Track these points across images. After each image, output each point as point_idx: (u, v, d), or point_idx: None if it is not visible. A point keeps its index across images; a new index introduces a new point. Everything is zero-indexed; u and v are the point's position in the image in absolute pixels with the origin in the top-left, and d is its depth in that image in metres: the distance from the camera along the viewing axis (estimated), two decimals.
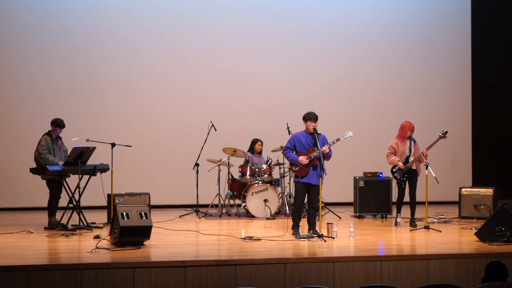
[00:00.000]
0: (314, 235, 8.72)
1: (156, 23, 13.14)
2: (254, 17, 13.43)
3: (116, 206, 8.30)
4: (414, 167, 10.00)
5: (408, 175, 10.00)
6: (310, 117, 8.83)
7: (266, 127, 12.91)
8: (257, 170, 11.34)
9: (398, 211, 10.12)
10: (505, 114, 14.28)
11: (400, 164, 9.94)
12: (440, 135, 9.77)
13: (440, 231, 9.44)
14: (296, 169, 8.86)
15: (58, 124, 9.87)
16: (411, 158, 9.98)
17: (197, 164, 11.57)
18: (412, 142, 9.97)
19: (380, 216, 11.15)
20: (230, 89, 13.33)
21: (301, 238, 8.67)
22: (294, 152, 8.89)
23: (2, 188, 12.67)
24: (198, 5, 13.27)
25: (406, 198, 10.11)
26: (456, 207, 11.17)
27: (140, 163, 12.95)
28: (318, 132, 8.78)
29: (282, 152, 9.13)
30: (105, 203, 10.68)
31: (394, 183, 10.62)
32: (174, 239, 8.85)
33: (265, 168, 11.37)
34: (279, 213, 11.41)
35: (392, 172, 10.11)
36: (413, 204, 10.03)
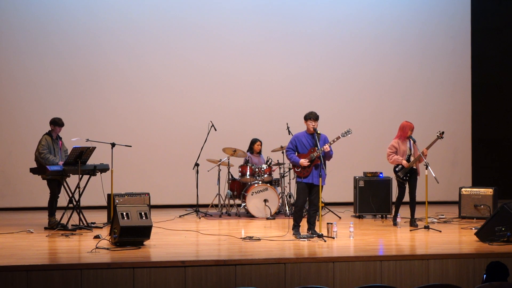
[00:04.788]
0: (314, 235, 8.72)
1: (156, 24, 13.14)
2: (254, 19, 13.42)
3: (116, 206, 8.30)
4: (414, 167, 10.00)
5: (410, 174, 10.00)
6: (310, 116, 8.84)
7: (266, 127, 12.92)
8: (257, 170, 11.34)
9: (397, 211, 10.12)
10: (505, 114, 14.28)
11: (405, 162, 9.91)
12: (437, 135, 9.76)
13: (440, 231, 9.44)
14: (299, 170, 8.86)
15: (57, 123, 9.87)
16: (412, 158, 9.98)
17: (197, 164, 11.57)
18: (412, 141, 9.97)
19: (380, 216, 11.15)
20: (230, 89, 13.33)
21: (301, 238, 8.67)
22: (296, 153, 8.90)
23: (2, 188, 12.68)
24: (198, 7, 13.26)
25: (406, 198, 10.12)
26: (456, 207, 11.17)
27: (140, 163, 12.95)
28: (318, 132, 8.79)
29: (286, 155, 9.10)
30: (105, 203, 10.68)
31: (394, 183, 10.62)
32: (174, 239, 8.85)
33: (265, 168, 11.37)
34: (279, 213, 11.41)
35: (395, 171, 10.08)
36: (413, 204, 10.03)
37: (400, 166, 10.00)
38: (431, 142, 9.81)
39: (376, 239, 9.02)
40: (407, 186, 10.07)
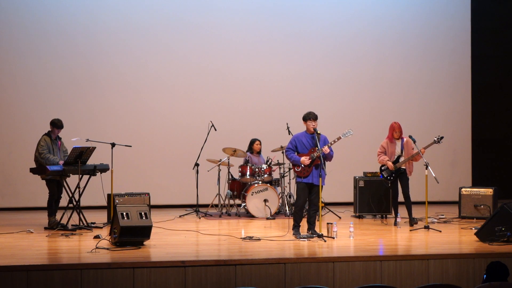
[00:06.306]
0: (314, 235, 8.72)
1: (156, 24, 13.14)
2: (254, 19, 13.43)
3: (116, 206, 8.29)
4: (403, 167, 10.06)
5: (397, 175, 10.08)
6: (310, 116, 8.84)
7: (266, 127, 12.92)
8: (257, 170, 11.34)
9: (396, 211, 10.16)
10: (505, 114, 14.28)
11: (389, 164, 10.04)
12: (435, 140, 9.83)
13: (440, 231, 9.44)
14: (299, 169, 8.86)
15: (56, 124, 9.87)
16: (402, 158, 10.04)
17: (197, 164, 11.57)
18: (403, 142, 10.05)
19: (380, 216, 11.15)
20: (230, 89, 13.34)
21: (301, 238, 8.67)
22: (296, 153, 8.89)
23: (2, 188, 12.68)
24: (197, 7, 13.27)
25: (401, 198, 10.17)
26: (456, 207, 11.18)
27: (140, 163, 12.95)
28: (318, 132, 8.79)
29: (286, 154, 9.09)
30: (105, 203, 10.68)
31: None
32: (174, 239, 8.85)
33: (265, 168, 11.37)
34: (279, 213, 11.41)
35: (381, 170, 10.27)
36: (408, 202, 10.08)
37: (385, 166, 10.13)
38: (428, 143, 9.86)
39: (376, 239, 9.02)
40: (399, 184, 10.16)
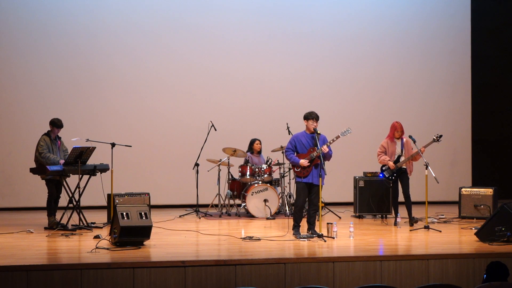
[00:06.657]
0: (314, 235, 8.72)
1: (156, 24, 13.14)
2: (254, 19, 13.43)
3: (116, 206, 8.30)
4: (404, 167, 10.07)
5: (398, 175, 10.09)
6: (312, 116, 8.84)
7: (266, 127, 12.92)
8: (257, 170, 11.34)
9: (396, 211, 10.17)
10: (505, 114, 14.28)
11: (391, 163, 10.05)
12: (434, 138, 9.85)
13: (440, 231, 9.45)
14: (298, 169, 8.86)
15: (55, 124, 9.87)
16: (402, 158, 10.05)
17: (197, 164, 11.57)
18: (403, 141, 10.07)
19: (380, 216, 11.15)
20: (230, 89, 13.34)
21: (301, 238, 8.67)
22: (295, 153, 8.89)
23: (2, 188, 12.68)
24: (198, 7, 13.27)
25: (401, 198, 10.18)
26: (456, 207, 11.18)
27: (140, 163, 12.95)
28: (318, 132, 8.79)
29: (286, 155, 9.10)
30: (105, 203, 10.68)
31: None
32: (174, 239, 8.85)
33: (265, 168, 11.37)
34: (279, 213, 11.41)
35: (382, 170, 10.26)
36: (408, 202, 10.09)
37: (386, 166, 10.14)
38: (427, 142, 9.89)
39: (376, 239, 9.02)
40: (399, 184, 10.17)
